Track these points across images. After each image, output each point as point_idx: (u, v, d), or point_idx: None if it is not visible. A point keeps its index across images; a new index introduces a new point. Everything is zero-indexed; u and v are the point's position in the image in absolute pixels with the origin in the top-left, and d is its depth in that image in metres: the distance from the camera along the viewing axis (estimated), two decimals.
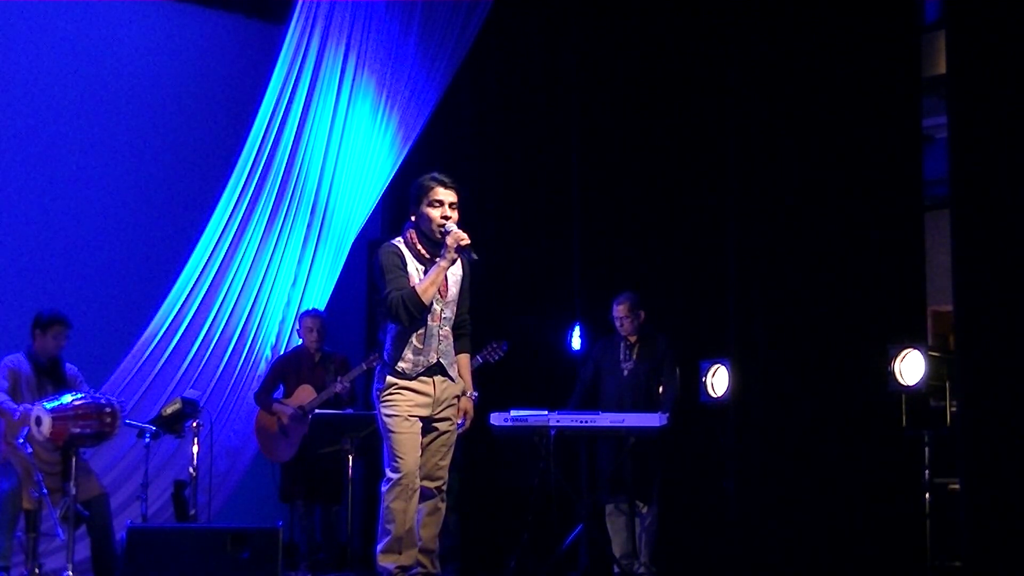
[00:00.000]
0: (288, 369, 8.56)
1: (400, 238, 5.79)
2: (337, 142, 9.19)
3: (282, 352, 8.94)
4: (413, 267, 5.70)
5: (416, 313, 5.60)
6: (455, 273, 5.78)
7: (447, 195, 5.69)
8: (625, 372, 7.95)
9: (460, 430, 5.92)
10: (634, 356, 7.94)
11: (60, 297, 8.32)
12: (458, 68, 9.38)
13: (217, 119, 9.55)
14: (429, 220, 5.67)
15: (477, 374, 8.10)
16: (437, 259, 5.62)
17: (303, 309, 8.92)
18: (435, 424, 5.73)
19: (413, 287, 5.59)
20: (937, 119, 8.17)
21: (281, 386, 8.57)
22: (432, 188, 5.69)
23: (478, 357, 8.07)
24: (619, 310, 7.94)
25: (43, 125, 9.11)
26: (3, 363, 7.38)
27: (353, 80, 9.21)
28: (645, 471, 7.73)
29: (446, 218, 5.65)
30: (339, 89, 9.16)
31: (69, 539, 6.83)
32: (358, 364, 8.38)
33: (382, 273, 5.67)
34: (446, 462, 5.79)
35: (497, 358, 8.15)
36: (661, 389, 7.86)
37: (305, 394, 8.38)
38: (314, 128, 9.11)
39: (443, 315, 5.71)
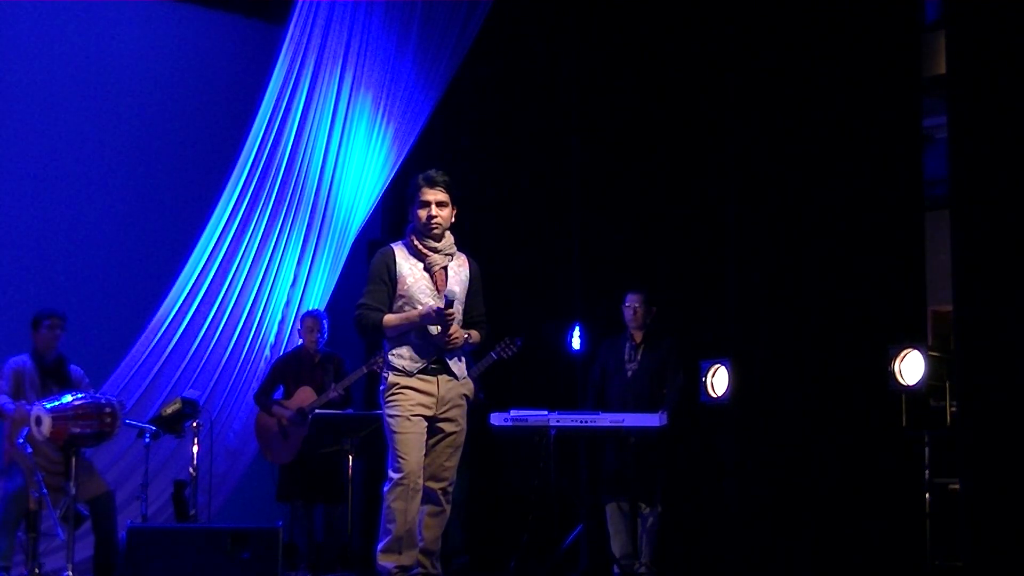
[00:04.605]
0: (288, 370, 8.55)
1: (403, 239, 5.83)
2: (337, 141, 9.20)
3: (282, 352, 8.94)
4: (408, 266, 5.73)
5: (373, 339, 5.85)
6: (458, 271, 5.80)
7: (432, 195, 5.71)
8: (629, 373, 7.95)
9: None
10: (639, 356, 7.95)
11: (60, 297, 8.32)
12: (458, 66, 9.39)
13: (217, 119, 9.55)
14: (418, 220, 5.72)
15: (488, 374, 8.21)
16: (420, 311, 5.62)
17: (303, 309, 8.92)
18: (440, 425, 5.72)
19: (381, 319, 5.65)
20: (937, 119, 8.17)
21: (281, 387, 8.57)
22: (420, 188, 5.74)
23: (492, 354, 8.11)
24: (632, 299, 7.94)
25: (43, 125, 9.11)
26: (8, 364, 7.42)
27: (353, 79, 9.21)
28: (649, 472, 7.72)
29: (431, 217, 5.68)
30: (339, 88, 9.17)
31: (69, 539, 6.83)
32: (358, 366, 8.39)
33: (367, 280, 5.77)
34: (452, 463, 5.78)
35: (511, 354, 8.16)
36: (665, 390, 7.87)
37: (304, 395, 8.38)
38: (314, 128, 9.12)
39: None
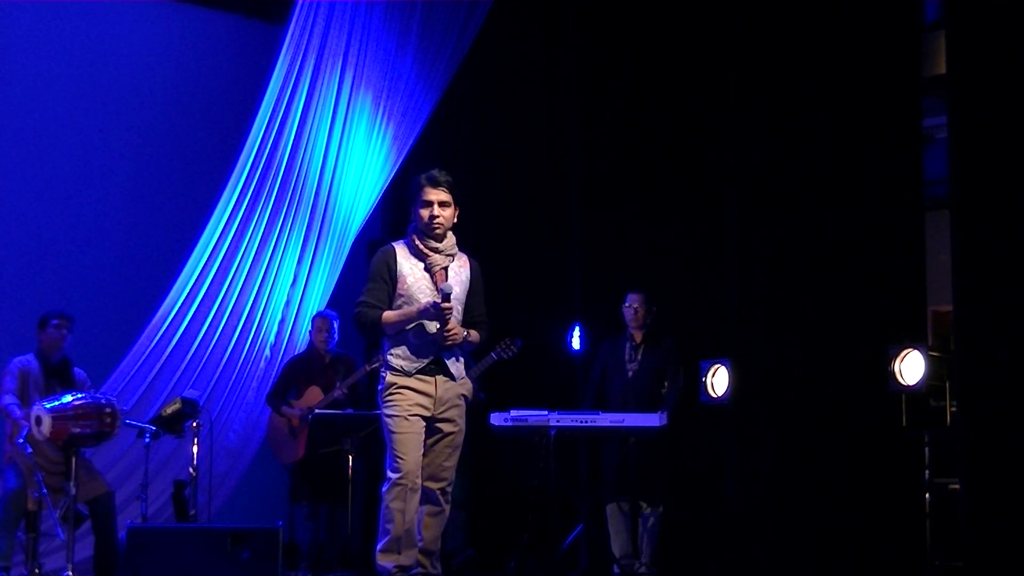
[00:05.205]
0: (298, 370, 8.58)
1: (404, 238, 5.83)
2: (337, 142, 9.20)
3: (282, 352, 8.95)
4: (409, 265, 5.73)
5: (372, 336, 5.90)
6: (458, 271, 5.80)
7: (435, 195, 5.71)
8: (630, 373, 7.94)
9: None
10: (639, 356, 7.95)
11: (60, 297, 8.33)
12: (458, 66, 9.39)
13: (217, 119, 9.55)
14: (420, 220, 5.72)
15: (488, 374, 8.22)
16: (418, 307, 5.62)
17: (303, 309, 8.94)
18: (438, 425, 5.72)
19: (380, 316, 5.64)
20: (937, 119, 8.17)
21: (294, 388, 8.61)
22: (422, 188, 5.73)
23: (492, 354, 8.13)
24: (633, 299, 7.94)
25: (43, 125, 9.11)
26: (12, 364, 7.43)
27: (353, 79, 9.21)
28: (651, 472, 7.72)
29: (433, 217, 5.68)
30: (339, 88, 9.16)
31: (69, 539, 6.83)
32: (361, 367, 8.40)
33: (368, 278, 5.76)
34: (451, 463, 5.78)
35: (511, 355, 8.17)
36: (665, 390, 7.87)
37: (312, 396, 8.40)
38: (314, 128, 9.11)
39: None
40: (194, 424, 7.83)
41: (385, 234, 9.55)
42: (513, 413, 7.48)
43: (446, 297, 5.58)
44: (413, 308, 5.64)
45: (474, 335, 5.80)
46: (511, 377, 8.69)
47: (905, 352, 6.73)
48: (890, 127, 7.30)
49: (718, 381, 7.68)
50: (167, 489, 8.34)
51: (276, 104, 8.96)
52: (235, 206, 8.87)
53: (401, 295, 5.71)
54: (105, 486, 7.43)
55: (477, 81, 9.64)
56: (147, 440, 7.62)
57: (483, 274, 5.94)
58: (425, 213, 5.71)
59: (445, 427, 5.73)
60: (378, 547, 5.64)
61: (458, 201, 5.77)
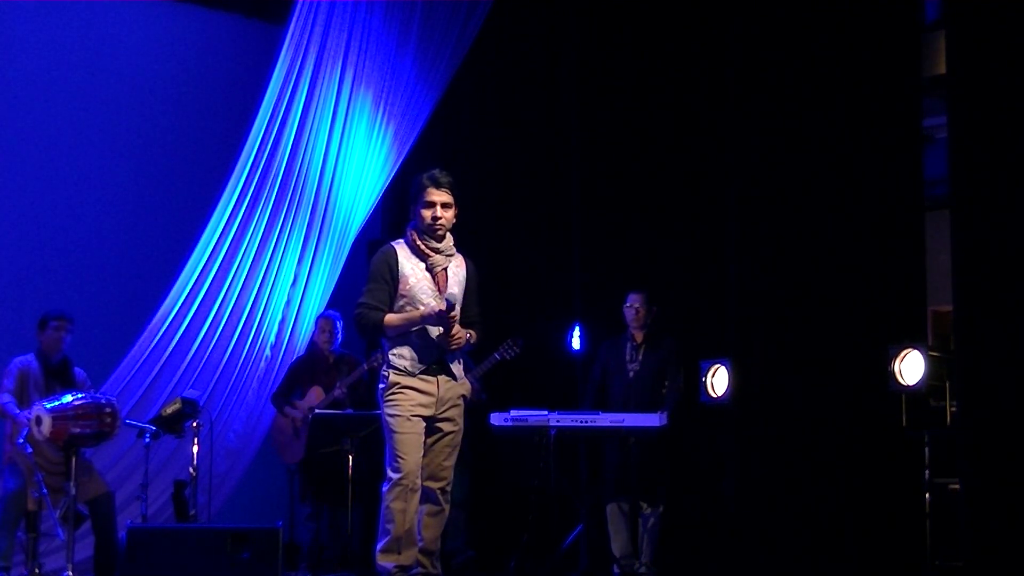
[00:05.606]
0: (302, 370, 8.60)
1: (403, 238, 5.82)
2: (337, 141, 9.20)
3: (282, 352, 8.96)
4: (410, 265, 5.73)
5: (373, 338, 5.95)
6: (456, 272, 5.80)
7: (438, 196, 5.71)
8: (631, 374, 7.94)
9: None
10: (640, 357, 7.95)
11: (60, 297, 8.34)
12: (459, 66, 9.40)
13: (217, 119, 9.56)
14: (422, 220, 5.71)
15: (488, 374, 8.22)
16: (421, 313, 5.62)
17: (303, 309, 8.94)
18: (439, 424, 5.73)
19: (382, 318, 5.63)
20: (937, 119, 8.17)
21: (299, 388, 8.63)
22: (425, 188, 5.72)
23: (495, 355, 8.14)
24: (634, 298, 7.94)
25: (43, 125, 9.12)
26: (12, 364, 7.43)
27: (353, 79, 9.21)
28: (651, 472, 7.72)
29: (436, 219, 5.68)
30: (339, 88, 9.17)
31: (69, 539, 6.84)
32: (361, 366, 8.41)
33: (368, 278, 5.75)
34: (450, 463, 5.79)
35: (513, 355, 8.18)
36: (665, 390, 7.87)
37: (315, 395, 8.42)
38: (314, 128, 9.11)
39: None
40: (194, 424, 7.84)
41: (385, 234, 9.55)
42: (513, 413, 7.48)
43: (451, 307, 5.58)
44: (416, 313, 5.64)
45: (472, 336, 5.81)
46: (511, 377, 8.70)
47: (905, 352, 6.73)
48: (890, 127, 7.30)
49: (718, 381, 7.67)
50: (167, 489, 8.35)
51: (276, 104, 8.96)
52: (235, 206, 8.87)
53: (403, 296, 5.71)
54: (105, 486, 7.44)
55: (477, 81, 9.64)
56: (147, 440, 7.62)
57: (479, 274, 5.95)
58: (427, 214, 5.71)
59: (445, 427, 5.74)
60: (378, 547, 5.65)
61: (458, 201, 5.77)
